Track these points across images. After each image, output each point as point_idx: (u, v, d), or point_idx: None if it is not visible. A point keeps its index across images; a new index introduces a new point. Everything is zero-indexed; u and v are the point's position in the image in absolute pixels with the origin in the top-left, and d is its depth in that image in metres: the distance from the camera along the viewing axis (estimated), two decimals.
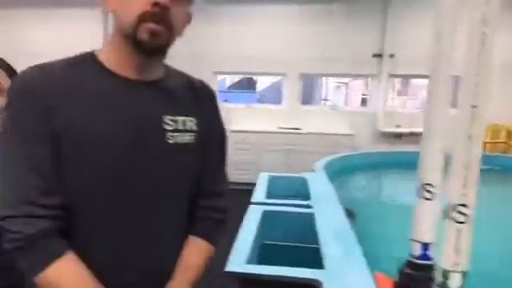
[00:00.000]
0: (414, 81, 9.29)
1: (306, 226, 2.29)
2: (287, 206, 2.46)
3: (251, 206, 2.35)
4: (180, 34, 0.91)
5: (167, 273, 0.97)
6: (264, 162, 5.93)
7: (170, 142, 0.92)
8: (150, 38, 0.83)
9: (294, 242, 2.32)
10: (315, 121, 6.46)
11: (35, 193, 0.81)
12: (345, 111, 6.92)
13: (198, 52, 6.06)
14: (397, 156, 4.70)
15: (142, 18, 0.82)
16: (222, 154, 1.11)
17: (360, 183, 4.61)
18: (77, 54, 0.92)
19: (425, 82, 8.28)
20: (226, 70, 6.91)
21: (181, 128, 0.94)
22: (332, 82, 10.93)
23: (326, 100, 11.11)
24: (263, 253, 2.20)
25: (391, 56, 6.34)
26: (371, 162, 4.84)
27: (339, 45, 6.42)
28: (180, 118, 0.95)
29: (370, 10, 6.34)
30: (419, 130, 6.29)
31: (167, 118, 0.93)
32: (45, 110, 0.81)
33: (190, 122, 0.97)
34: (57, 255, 0.81)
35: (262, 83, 11.89)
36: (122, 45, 0.88)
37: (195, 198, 1.04)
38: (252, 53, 6.44)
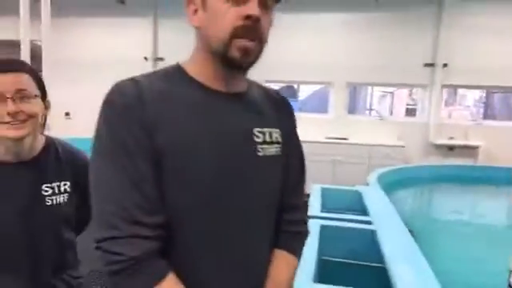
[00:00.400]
0: (461, 90, 8.90)
1: (368, 243, 2.18)
2: (346, 222, 2.36)
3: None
4: (266, 41, 0.87)
5: (259, 287, 0.94)
6: (310, 172, 5.80)
7: (260, 154, 0.90)
8: (241, 56, 0.81)
9: (353, 260, 2.22)
10: (362, 131, 6.30)
11: (140, 212, 0.77)
12: (393, 121, 6.71)
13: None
14: (455, 170, 4.46)
15: (234, 34, 0.79)
16: (303, 168, 1.08)
17: (416, 198, 4.40)
18: (164, 68, 0.90)
19: (477, 92, 7.92)
20: (274, 79, 6.89)
21: (268, 140, 0.92)
22: (377, 90, 10.65)
23: (371, 109, 10.85)
24: (320, 269, 2.11)
25: (445, 65, 6.09)
26: (428, 175, 4.62)
27: (388, 53, 6.25)
28: (267, 130, 0.92)
29: (421, 18, 6.14)
30: (474, 142, 5.99)
31: (256, 130, 0.90)
32: (144, 126, 0.78)
33: (276, 134, 0.94)
34: (160, 277, 0.78)
35: (303, 91, 11.79)
36: (209, 60, 0.86)
37: (279, 211, 1.00)
38: (299, 61, 6.38)
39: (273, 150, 0.93)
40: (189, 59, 0.91)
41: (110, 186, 0.78)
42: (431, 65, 6.18)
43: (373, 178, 3.61)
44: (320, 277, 2.01)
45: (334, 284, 1.65)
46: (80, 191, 1.28)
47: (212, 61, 0.85)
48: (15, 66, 1.13)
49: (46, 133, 1.26)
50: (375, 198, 2.89)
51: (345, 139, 6.01)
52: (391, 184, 3.79)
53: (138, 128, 0.78)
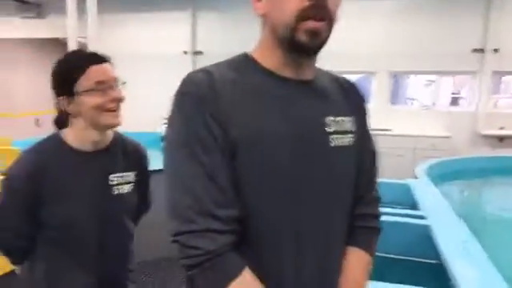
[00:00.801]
0: (506, 78, 8.37)
1: (422, 238, 2.09)
2: (397, 216, 2.28)
3: None
4: (337, 19, 0.83)
5: (333, 284, 0.91)
6: None
7: (332, 144, 0.86)
8: (310, 39, 0.77)
9: (407, 256, 2.14)
10: (406, 121, 6.09)
11: (215, 205, 0.76)
12: (439, 111, 6.44)
13: None
14: (509, 161, 4.23)
15: (301, 17, 0.76)
16: (376, 160, 1.02)
17: (468, 191, 4.21)
18: (233, 57, 0.88)
19: None
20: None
21: (340, 129, 0.88)
22: (420, 79, 10.25)
23: (413, 99, 10.48)
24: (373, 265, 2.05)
25: (495, 51, 5.77)
26: (479, 167, 4.41)
27: (433, 40, 5.98)
28: (339, 119, 0.88)
29: (467, 1, 5.82)
30: None
31: (328, 119, 0.86)
32: (219, 118, 0.77)
33: (348, 123, 0.90)
34: (236, 272, 0.76)
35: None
36: (276, 47, 0.83)
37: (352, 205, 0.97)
38: (339, 50, 6.19)
39: (345, 139, 0.88)
40: (255, 48, 0.88)
41: (186, 179, 0.77)
42: (480, 50, 5.86)
43: (421, 170, 3.47)
44: (373, 274, 1.95)
45: (388, 281, 1.59)
46: (140, 182, 1.34)
47: (280, 48, 0.83)
48: (106, 57, 1.20)
49: None
50: (426, 192, 2.77)
51: (388, 130, 5.83)
52: (441, 176, 3.64)
53: (212, 120, 0.77)
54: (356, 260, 0.94)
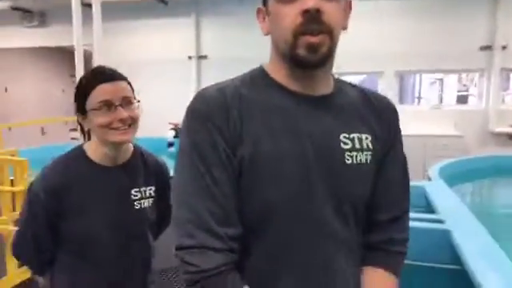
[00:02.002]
0: None
1: (441, 243, 2.03)
2: (413, 221, 2.21)
3: None
4: (345, 28, 0.85)
5: None
6: None
7: (348, 162, 0.85)
8: (309, 53, 0.78)
9: (425, 262, 2.07)
10: (415, 121, 6.01)
11: (215, 222, 0.77)
12: (448, 110, 6.36)
13: None
14: None
15: (297, 32, 0.78)
16: (406, 180, 0.98)
17: (485, 192, 4.14)
18: (250, 70, 0.90)
19: None
20: None
21: (357, 147, 0.87)
22: (426, 77, 10.16)
23: (420, 98, 10.39)
24: None
25: (504, 48, 5.69)
26: (494, 166, 4.32)
27: (439, 38, 5.92)
28: (355, 136, 0.87)
29: None
30: None
31: (343, 136, 0.86)
32: (227, 135, 0.79)
33: (366, 140, 0.89)
34: None
35: (347, 80, 11.42)
36: (283, 64, 0.85)
37: (374, 223, 0.94)
38: (344, 51, 6.14)
39: (363, 157, 0.86)
40: (269, 61, 0.89)
41: (187, 194, 0.79)
42: (488, 47, 5.79)
43: (434, 171, 3.40)
44: None
45: None
46: (161, 197, 1.34)
47: (286, 64, 0.84)
48: (116, 75, 1.20)
49: None
50: (442, 194, 2.71)
51: None
52: (455, 177, 3.56)
53: (219, 138, 0.78)
54: (380, 282, 0.91)
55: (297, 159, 0.80)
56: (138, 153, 1.33)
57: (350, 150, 0.85)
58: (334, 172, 0.83)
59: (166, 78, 6.85)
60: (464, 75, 8.78)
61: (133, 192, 1.27)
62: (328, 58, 0.82)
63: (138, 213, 1.28)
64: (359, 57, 6.14)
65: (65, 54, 7.97)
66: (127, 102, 1.19)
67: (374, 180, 0.91)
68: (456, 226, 2.08)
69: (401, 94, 7.82)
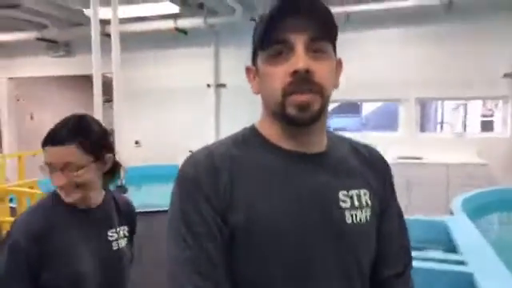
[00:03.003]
0: None
1: (464, 287, 1.91)
2: (433, 262, 2.11)
3: None
4: (336, 86, 0.83)
5: None
6: None
7: (349, 222, 0.81)
8: (299, 112, 0.76)
9: None
10: (437, 149, 5.86)
11: None
12: (471, 137, 6.19)
13: None
14: None
15: (286, 92, 0.76)
16: (404, 230, 0.95)
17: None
18: (242, 129, 0.88)
19: None
20: (336, 98, 6.69)
21: (356, 204, 0.83)
22: (449, 102, 9.95)
23: (442, 123, 10.17)
24: None
25: None
26: None
27: (462, 65, 5.82)
28: (354, 192, 0.83)
29: (498, 26, 5.65)
30: None
31: (342, 194, 0.82)
32: (215, 202, 0.76)
33: (364, 196, 0.85)
34: None
35: (367, 106, 11.29)
36: (275, 122, 0.83)
37: (377, 282, 0.89)
38: (361, 78, 6.10)
39: (363, 215, 0.82)
40: (260, 120, 0.87)
41: (174, 266, 0.77)
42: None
43: (457, 204, 3.26)
44: None
45: None
46: (132, 235, 1.40)
47: (278, 122, 0.82)
48: (64, 139, 1.18)
49: (118, 159, 1.36)
50: (464, 231, 2.58)
51: (418, 159, 5.62)
52: (478, 210, 3.41)
53: (207, 206, 0.76)
54: None
55: (293, 222, 0.77)
56: (110, 195, 1.35)
57: (349, 209, 0.81)
58: (336, 234, 0.79)
59: (185, 106, 6.93)
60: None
61: (109, 233, 1.29)
62: (320, 115, 0.79)
63: (118, 253, 1.30)
64: (378, 83, 6.09)
65: (89, 82, 8.19)
66: (70, 167, 1.17)
67: (375, 238, 0.87)
68: (479, 268, 1.97)
69: (422, 120, 7.70)
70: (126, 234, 1.35)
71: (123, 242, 1.32)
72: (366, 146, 0.94)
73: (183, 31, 6.54)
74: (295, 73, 0.74)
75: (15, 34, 6.73)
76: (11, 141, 8.00)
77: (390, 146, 5.99)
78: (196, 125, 6.79)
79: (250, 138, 0.85)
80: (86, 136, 1.21)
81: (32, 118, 8.65)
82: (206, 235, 0.75)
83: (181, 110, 6.95)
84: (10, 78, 7.90)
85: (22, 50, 7.39)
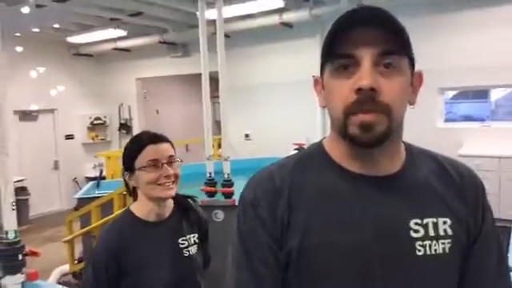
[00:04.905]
0: None
1: None
2: None
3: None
4: (412, 103, 0.76)
5: None
6: (510, 194, 4.87)
7: (419, 253, 0.73)
8: (362, 133, 0.71)
9: None
10: None
11: None
12: None
13: (419, 69, 5.40)
14: None
15: (349, 111, 0.71)
16: (505, 269, 0.81)
17: None
18: (307, 149, 0.87)
19: None
20: (453, 86, 6.07)
21: (432, 234, 0.74)
22: None
23: None
24: None
25: None
26: None
27: None
28: (430, 220, 0.75)
29: None
30: None
31: (414, 223, 0.74)
32: (272, 227, 0.75)
33: (444, 225, 0.75)
34: None
35: (497, 91, 9.95)
36: (340, 139, 0.78)
37: None
38: (486, 62, 5.43)
39: (439, 246, 0.73)
40: (329, 137, 0.84)
41: (227, 283, 0.79)
42: None
43: None
44: None
45: None
46: (203, 242, 1.46)
47: (342, 141, 0.77)
48: (162, 138, 1.36)
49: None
50: None
51: None
52: None
53: (263, 231, 0.75)
54: None
55: (350, 254, 0.72)
56: (180, 206, 1.44)
57: (422, 239, 0.73)
58: (402, 267, 0.72)
59: (290, 99, 6.96)
60: None
61: (180, 241, 1.37)
62: (386, 137, 0.72)
63: (189, 259, 1.38)
64: (506, 68, 5.35)
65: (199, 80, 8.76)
66: (172, 160, 1.32)
67: (460, 273, 0.76)
68: None
69: None
70: (196, 240, 1.43)
71: (194, 249, 1.41)
72: (456, 166, 0.83)
73: (288, 25, 6.56)
74: (359, 90, 0.69)
75: (141, 38, 7.50)
76: None
77: None
78: (301, 117, 6.79)
79: (314, 156, 0.82)
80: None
81: (158, 112, 9.58)
82: (259, 260, 0.75)
83: (285, 103, 7.01)
84: (138, 79, 8.84)
85: (146, 53, 8.20)
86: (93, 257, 1.34)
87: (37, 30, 6.93)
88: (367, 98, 0.69)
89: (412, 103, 0.77)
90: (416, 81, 0.78)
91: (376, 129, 0.70)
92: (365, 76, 0.68)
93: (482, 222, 0.79)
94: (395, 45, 0.70)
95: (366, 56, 0.69)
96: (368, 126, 0.70)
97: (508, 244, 2.34)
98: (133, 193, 1.40)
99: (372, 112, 0.69)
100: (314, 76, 0.84)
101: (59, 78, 8.32)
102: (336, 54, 0.72)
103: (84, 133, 8.77)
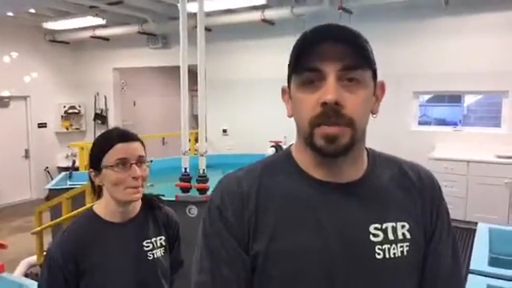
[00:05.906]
0: None
1: None
2: None
3: (470, 277, 1.86)
4: (374, 113, 0.80)
5: None
6: (478, 199, 5.03)
7: (379, 257, 0.76)
8: (326, 144, 0.74)
9: None
10: None
11: None
12: None
13: (394, 72, 5.51)
14: None
15: (314, 123, 0.74)
16: (459, 268, 0.85)
17: None
18: (276, 155, 0.90)
19: None
20: (427, 90, 6.20)
21: (391, 238, 0.77)
22: None
23: None
24: None
25: None
26: None
27: None
28: (389, 225, 0.78)
29: None
30: None
31: (373, 227, 0.77)
32: (238, 232, 0.77)
33: (402, 229, 0.78)
34: None
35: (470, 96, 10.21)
36: (306, 149, 0.81)
37: None
38: (460, 68, 5.58)
39: (398, 250, 0.76)
40: (296, 145, 0.86)
41: (192, 285, 0.80)
42: None
43: None
44: None
45: None
46: (171, 245, 1.42)
47: (308, 149, 0.79)
48: (132, 136, 1.29)
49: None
50: None
51: None
52: None
53: (229, 235, 0.77)
54: None
55: (316, 257, 0.74)
56: (147, 206, 1.39)
57: (381, 243, 0.75)
58: (364, 270, 0.74)
59: (270, 96, 6.94)
60: None
61: (144, 243, 1.33)
62: (349, 147, 0.75)
63: (153, 262, 1.33)
64: (479, 74, 5.51)
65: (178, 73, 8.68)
66: (141, 161, 1.26)
67: (419, 275, 0.79)
68: None
69: None
70: (163, 243, 1.39)
71: (159, 252, 1.36)
72: (417, 170, 0.86)
73: (270, 22, 6.56)
74: (324, 104, 0.72)
75: (120, 28, 7.36)
76: (117, 125, 8.83)
77: (491, 144, 5.42)
78: (277, 116, 6.78)
79: (282, 162, 0.84)
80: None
81: (134, 104, 9.43)
82: (226, 264, 0.76)
83: (267, 100, 7.00)
84: (115, 69, 8.67)
85: (125, 43, 8.04)
86: (49, 258, 1.27)
87: (11, 14, 6.70)
88: (332, 112, 0.72)
89: (374, 113, 0.80)
90: (379, 90, 0.81)
91: (340, 140, 0.73)
92: (330, 90, 0.71)
93: (437, 219, 0.82)
94: (359, 60, 0.73)
95: (331, 70, 0.72)
96: (332, 138, 0.73)
97: (472, 246, 2.42)
98: (97, 191, 1.35)
99: (336, 125, 0.72)
100: (282, 86, 0.86)
101: (33, 65, 8.08)
102: (303, 67, 0.74)
103: (58, 121, 8.55)
